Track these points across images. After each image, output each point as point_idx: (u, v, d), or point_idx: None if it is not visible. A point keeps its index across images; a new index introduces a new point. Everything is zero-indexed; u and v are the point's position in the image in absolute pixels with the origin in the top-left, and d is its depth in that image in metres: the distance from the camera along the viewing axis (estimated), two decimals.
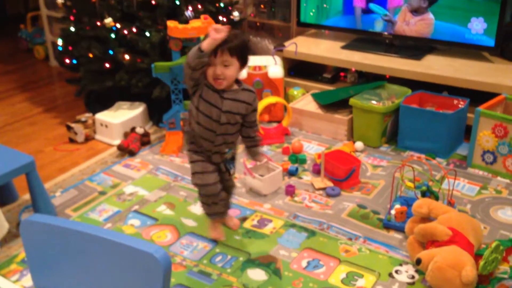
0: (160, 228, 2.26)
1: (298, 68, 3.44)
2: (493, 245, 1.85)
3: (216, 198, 2.05)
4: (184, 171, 2.68)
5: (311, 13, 3.45)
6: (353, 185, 2.52)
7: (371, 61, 3.11)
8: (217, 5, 3.18)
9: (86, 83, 3.19)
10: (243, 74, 2.98)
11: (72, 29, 3.13)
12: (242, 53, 1.85)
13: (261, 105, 2.93)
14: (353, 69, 3.32)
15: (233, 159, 2.08)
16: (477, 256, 1.90)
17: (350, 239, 2.17)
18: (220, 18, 3.15)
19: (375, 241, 2.15)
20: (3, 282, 1.66)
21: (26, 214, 2.36)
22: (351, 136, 2.95)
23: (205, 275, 1.99)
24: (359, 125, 2.88)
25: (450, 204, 2.23)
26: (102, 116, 3.04)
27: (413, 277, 1.96)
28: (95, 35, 3.03)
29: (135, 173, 2.67)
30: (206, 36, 1.80)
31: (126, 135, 2.96)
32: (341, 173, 2.49)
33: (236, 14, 3.28)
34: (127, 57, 2.94)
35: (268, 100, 2.98)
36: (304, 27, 3.58)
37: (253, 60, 3.11)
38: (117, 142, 2.93)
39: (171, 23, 2.67)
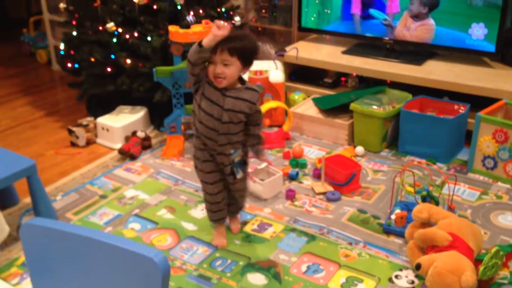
0: (160, 232, 2.26)
1: (299, 73, 3.45)
2: (493, 250, 1.85)
3: (216, 206, 2.06)
4: (185, 175, 2.68)
5: (312, 18, 3.46)
6: (354, 189, 2.52)
7: (372, 66, 3.12)
8: (218, 10, 3.20)
9: (88, 87, 3.20)
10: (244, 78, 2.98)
11: (74, 33, 3.15)
12: (243, 54, 1.83)
13: (262, 109, 2.93)
14: (354, 74, 3.32)
15: (244, 163, 2.04)
16: (477, 262, 1.90)
17: (350, 243, 2.17)
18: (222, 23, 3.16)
19: (375, 246, 2.15)
20: (3, 285, 1.67)
21: (27, 218, 2.37)
22: (352, 141, 2.95)
23: (205, 279, 1.99)
24: (359, 130, 2.88)
25: (451, 209, 2.23)
26: (104, 120, 3.05)
27: (413, 282, 1.96)
28: (97, 39, 3.05)
29: (136, 177, 2.67)
30: None
31: (127, 139, 2.97)
32: (341, 178, 2.49)
33: (237, 19, 3.29)
34: (128, 61, 2.95)
35: (269, 104, 2.99)
36: (305, 32, 3.59)
37: (254, 65, 3.11)
38: (118, 146, 2.94)
39: (172, 28, 2.69)
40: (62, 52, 3.30)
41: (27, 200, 2.42)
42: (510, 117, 2.66)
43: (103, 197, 2.52)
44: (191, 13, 2.98)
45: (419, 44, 3.18)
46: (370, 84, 3.25)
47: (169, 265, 1.07)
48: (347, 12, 3.35)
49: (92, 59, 3.07)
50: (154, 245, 2.18)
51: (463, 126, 2.83)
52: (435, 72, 2.99)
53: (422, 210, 2.07)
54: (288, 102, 3.32)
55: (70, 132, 3.04)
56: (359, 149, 2.84)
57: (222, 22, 1.77)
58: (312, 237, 2.20)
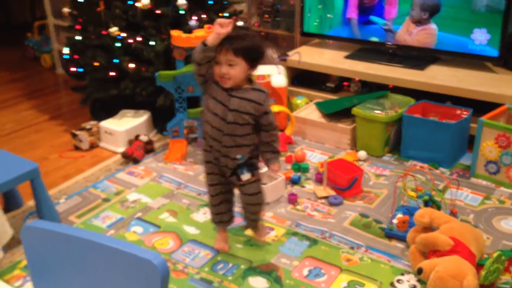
0: (162, 235, 2.27)
1: (301, 77, 3.46)
2: (495, 255, 1.85)
3: (215, 208, 2.07)
4: (187, 179, 2.69)
5: (315, 23, 3.47)
6: (356, 194, 2.52)
7: (375, 70, 3.13)
8: (221, 14, 3.21)
9: (91, 91, 3.22)
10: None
11: (78, 38, 3.17)
12: (248, 54, 1.79)
13: None
14: (357, 79, 3.33)
15: (251, 165, 1.97)
16: (479, 266, 1.90)
17: (352, 248, 2.17)
18: None
19: (377, 250, 2.15)
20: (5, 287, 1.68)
21: (30, 221, 2.38)
22: (354, 145, 2.95)
23: (206, 283, 1.99)
24: (362, 134, 2.88)
25: (453, 214, 2.22)
26: (107, 124, 3.06)
27: (414, 286, 1.96)
28: (101, 44, 3.07)
29: (138, 181, 2.68)
30: None
31: (130, 142, 2.98)
32: (343, 182, 2.49)
33: (240, 23, 3.31)
34: (131, 65, 2.97)
35: (271, 109, 2.99)
36: (308, 37, 3.60)
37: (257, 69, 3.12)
38: (121, 149, 2.95)
39: (175, 33, 2.70)
40: (66, 56, 3.32)
41: (31, 203, 2.43)
42: None
43: (106, 200, 2.53)
44: (194, 18, 2.99)
45: (422, 49, 3.18)
46: (373, 89, 3.26)
47: (168, 268, 1.07)
48: (345, 17, 3.36)
49: (96, 63, 3.09)
50: (156, 248, 2.19)
51: (466, 131, 2.83)
52: (438, 77, 2.99)
53: (424, 214, 2.07)
54: (291, 107, 3.33)
55: (74, 135, 3.05)
56: (362, 154, 2.84)
57: (224, 19, 1.77)
58: (314, 241, 2.21)
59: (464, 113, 2.82)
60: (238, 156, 1.91)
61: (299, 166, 2.73)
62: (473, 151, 2.63)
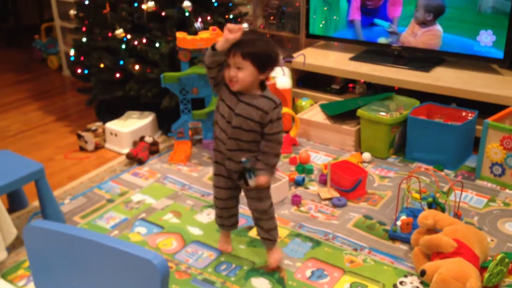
0: (166, 236, 2.28)
1: (306, 79, 3.46)
2: (498, 257, 1.84)
3: (217, 210, 2.08)
4: (191, 180, 2.70)
5: (320, 25, 3.48)
6: (360, 195, 2.52)
7: (380, 72, 3.12)
8: (226, 16, 3.22)
9: (97, 93, 3.24)
10: None
11: (84, 39, 3.19)
12: (256, 58, 1.77)
13: None
14: (362, 81, 3.33)
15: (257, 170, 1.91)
16: (483, 269, 1.89)
17: (355, 249, 2.16)
18: None
19: (380, 252, 2.14)
20: (7, 287, 1.69)
21: (35, 221, 2.39)
22: (359, 147, 2.95)
23: (209, 283, 2.00)
24: (367, 136, 2.88)
25: (457, 216, 2.22)
26: (112, 125, 3.08)
27: None
28: (106, 45, 3.09)
29: (143, 182, 2.69)
30: None
31: (135, 144, 2.99)
32: (347, 184, 2.49)
33: (245, 25, 3.32)
34: (137, 67, 2.98)
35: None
36: (313, 39, 3.60)
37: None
38: (126, 150, 2.96)
39: (180, 34, 2.71)
40: (72, 58, 3.35)
41: (36, 203, 2.44)
42: None
43: (110, 201, 2.54)
44: (199, 19, 3.00)
45: (427, 50, 3.17)
46: (378, 91, 3.25)
47: (168, 268, 1.08)
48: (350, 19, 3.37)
49: (101, 65, 3.11)
50: (159, 249, 2.19)
51: (471, 133, 2.82)
52: (443, 78, 2.98)
53: (427, 216, 2.07)
54: (296, 108, 3.33)
55: (79, 137, 3.07)
56: (366, 155, 2.84)
57: (233, 25, 1.77)
58: (317, 243, 2.20)
59: (470, 115, 2.80)
60: (243, 159, 1.88)
61: (303, 167, 2.73)
62: (478, 153, 2.62)
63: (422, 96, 3.00)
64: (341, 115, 3.04)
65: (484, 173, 2.62)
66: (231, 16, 3.26)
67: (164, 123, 3.18)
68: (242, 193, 2.06)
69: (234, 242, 2.21)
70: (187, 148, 2.92)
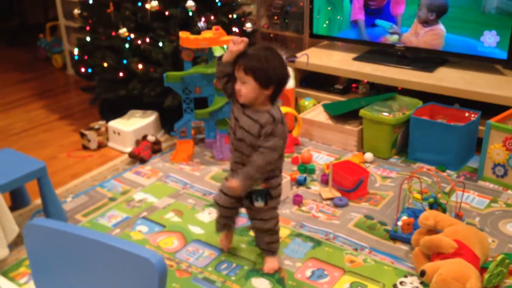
0: (167, 234, 2.28)
1: (309, 79, 3.46)
2: (499, 258, 1.84)
3: (217, 215, 2.08)
4: (193, 179, 2.70)
5: (324, 25, 3.47)
6: (361, 196, 2.52)
7: (383, 72, 3.12)
8: (230, 16, 3.22)
9: (100, 92, 3.25)
10: None
11: (88, 39, 3.20)
12: (256, 75, 1.74)
13: None
14: (365, 81, 3.32)
15: (267, 194, 1.90)
16: (483, 269, 1.88)
17: (356, 249, 2.16)
18: (233, 29, 3.19)
19: (381, 252, 2.14)
20: (9, 285, 1.70)
21: (35, 219, 2.41)
22: (361, 147, 2.95)
23: (209, 282, 2.00)
24: (369, 136, 2.88)
25: (458, 216, 2.21)
26: (115, 124, 3.09)
27: None
28: (110, 45, 3.10)
29: (145, 180, 2.70)
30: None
31: (137, 142, 3.00)
32: (349, 184, 2.49)
33: (249, 25, 3.32)
34: (140, 66, 2.99)
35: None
36: (317, 39, 3.60)
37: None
38: (129, 149, 2.97)
39: (183, 34, 2.72)
40: (76, 57, 3.36)
41: (38, 201, 2.46)
42: None
43: (112, 199, 2.55)
44: (203, 19, 3.01)
45: (430, 51, 3.16)
46: (381, 91, 3.24)
47: (166, 266, 1.08)
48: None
49: (105, 64, 3.12)
50: (161, 247, 2.20)
51: (474, 134, 2.81)
52: (446, 79, 2.97)
53: (428, 217, 2.06)
54: (298, 108, 3.33)
55: (82, 135, 3.08)
56: (368, 156, 2.83)
57: (238, 37, 1.78)
58: (317, 243, 2.20)
59: (472, 115, 2.80)
60: None
61: (305, 167, 2.73)
62: (481, 154, 2.61)
63: (425, 96, 2.99)
64: (343, 115, 3.03)
65: (486, 174, 2.62)
66: (234, 16, 3.26)
67: (167, 122, 3.19)
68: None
69: (235, 241, 2.21)
70: (189, 147, 2.92)
